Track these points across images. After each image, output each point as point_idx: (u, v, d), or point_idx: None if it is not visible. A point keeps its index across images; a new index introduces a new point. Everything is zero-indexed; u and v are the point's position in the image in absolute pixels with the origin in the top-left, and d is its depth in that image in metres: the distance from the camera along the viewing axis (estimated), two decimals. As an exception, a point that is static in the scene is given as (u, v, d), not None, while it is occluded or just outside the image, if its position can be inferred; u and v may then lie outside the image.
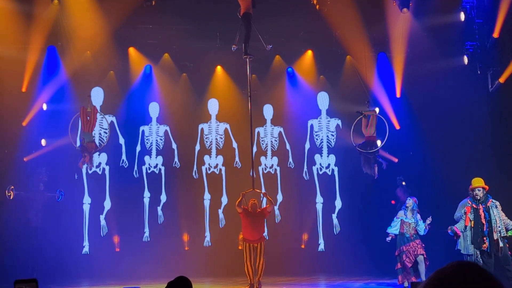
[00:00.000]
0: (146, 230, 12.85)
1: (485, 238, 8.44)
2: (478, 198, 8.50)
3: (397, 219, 9.82)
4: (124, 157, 12.96)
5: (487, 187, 8.60)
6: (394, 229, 9.80)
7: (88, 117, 10.62)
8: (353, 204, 13.08)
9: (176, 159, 13.12)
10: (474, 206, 8.52)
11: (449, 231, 8.96)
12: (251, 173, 10.64)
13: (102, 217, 12.68)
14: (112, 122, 12.68)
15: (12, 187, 11.41)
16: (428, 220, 9.61)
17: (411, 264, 9.57)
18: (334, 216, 13.19)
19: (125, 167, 12.93)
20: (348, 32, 12.59)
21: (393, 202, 12.48)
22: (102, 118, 12.30)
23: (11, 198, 11.33)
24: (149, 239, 12.82)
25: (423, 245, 9.64)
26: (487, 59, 12.11)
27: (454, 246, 10.10)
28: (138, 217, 12.81)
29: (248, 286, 9.79)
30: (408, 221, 9.68)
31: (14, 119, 11.90)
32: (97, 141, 12.42)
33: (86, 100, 11.00)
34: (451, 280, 1.35)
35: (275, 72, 13.50)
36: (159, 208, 12.89)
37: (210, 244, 12.92)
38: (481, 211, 8.45)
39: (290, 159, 13.39)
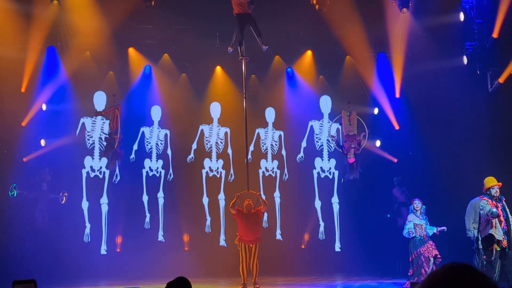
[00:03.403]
0: (147, 221, 12.85)
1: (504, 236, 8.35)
2: (498, 195, 8.35)
3: (409, 222, 9.68)
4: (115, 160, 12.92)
5: (500, 184, 8.50)
6: (408, 231, 9.67)
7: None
8: (353, 205, 13.07)
9: (170, 170, 13.09)
10: (495, 204, 8.37)
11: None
12: (246, 162, 10.79)
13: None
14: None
15: (15, 185, 11.38)
16: (442, 228, 9.56)
17: (429, 266, 9.47)
18: (337, 243, 13.20)
19: (127, 168, 12.88)
20: (348, 32, 12.59)
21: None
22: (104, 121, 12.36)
23: (14, 196, 11.31)
24: (149, 227, 12.81)
25: (434, 245, 9.60)
26: (487, 59, 12.09)
27: (451, 246, 10.09)
28: (139, 218, 12.80)
29: (242, 286, 9.81)
30: (419, 223, 9.61)
31: (14, 119, 11.87)
32: (97, 144, 12.50)
33: (111, 99, 11.48)
34: (446, 282, 1.35)
35: (274, 72, 13.50)
36: (160, 234, 12.86)
37: (210, 230, 12.92)
38: (499, 209, 8.34)
39: (285, 170, 13.36)
